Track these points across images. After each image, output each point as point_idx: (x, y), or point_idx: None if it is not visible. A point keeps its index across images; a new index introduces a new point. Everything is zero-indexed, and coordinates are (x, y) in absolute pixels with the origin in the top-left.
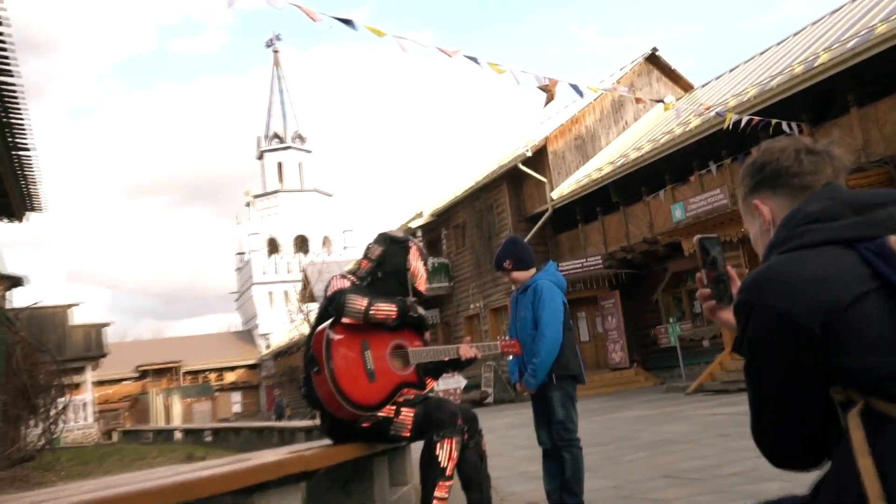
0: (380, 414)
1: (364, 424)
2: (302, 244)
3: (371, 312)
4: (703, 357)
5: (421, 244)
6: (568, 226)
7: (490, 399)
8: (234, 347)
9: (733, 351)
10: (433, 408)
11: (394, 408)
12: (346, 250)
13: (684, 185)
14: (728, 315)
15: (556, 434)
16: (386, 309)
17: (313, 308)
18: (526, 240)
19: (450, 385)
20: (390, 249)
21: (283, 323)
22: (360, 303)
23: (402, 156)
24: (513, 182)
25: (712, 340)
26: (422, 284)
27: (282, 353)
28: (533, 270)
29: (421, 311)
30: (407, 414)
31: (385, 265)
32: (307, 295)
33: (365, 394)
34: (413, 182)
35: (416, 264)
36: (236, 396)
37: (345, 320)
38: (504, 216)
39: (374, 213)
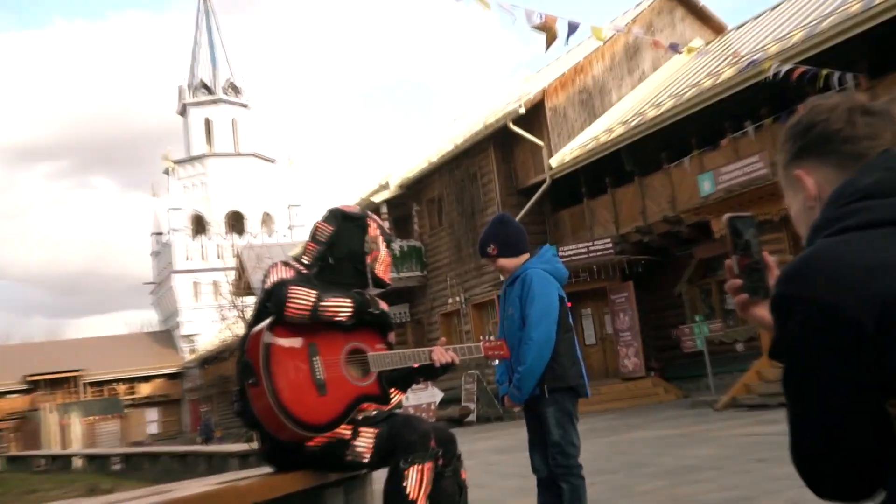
0: (332, 435)
1: (312, 446)
2: (236, 222)
3: (320, 309)
4: (736, 364)
5: (383, 221)
6: (570, 201)
7: (473, 416)
8: (150, 352)
9: (771, 357)
10: (400, 427)
11: (350, 427)
12: (291, 231)
13: (714, 152)
14: (764, 312)
15: (553, 459)
16: (339, 304)
17: (250, 303)
18: (518, 218)
19: (422, 399)
20: (343, 228)
21: (212, 321)
22: (306, 296)
23: (363, 114)
24: (502, 146)
25: (748, 344)
26: (384, 272)
27: (210, 360)
28: (525, 257)
29: (384, 306)
30: (367, 435)
31: (337, 248)
32: (242, 286)
33: (314, 410)
34: (377, 146)
35: (377, 247)
36: (152, 414)
37: (288, 318)
38: (491, 188)
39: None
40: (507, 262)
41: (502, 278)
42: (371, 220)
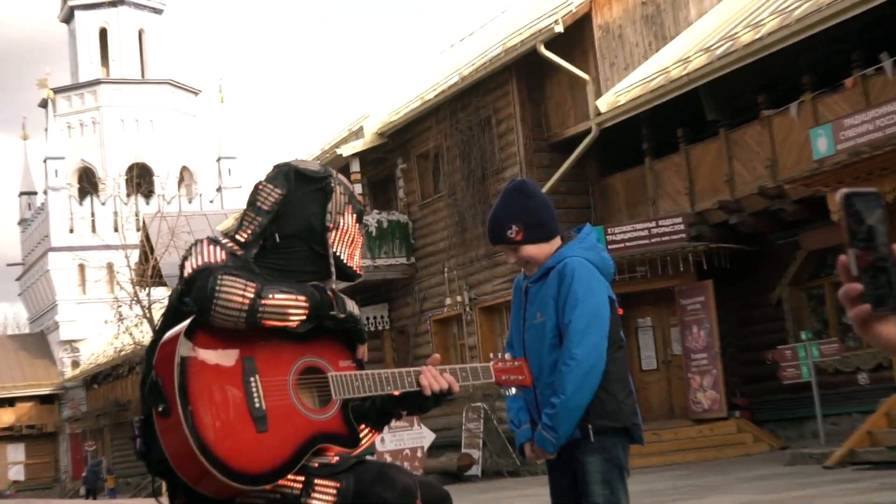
0: (276, 489)
1: None
2: (142, 180)
3: (261, 310)
4: (856, 403)
5: (353, 184)
6: (626, 161)
7: (477, 468)
8: (14, 364)
9: None
10: (371, 480)
11: (301, 478)
12: (221, 194)
13: (835, 95)
14: (891, 330)
15: None
16: (288, 303)
17: (160, 297)
18: (550, 184)
19: (405, 442)
20: (296, 193)
21: (104, 322)
22: (241, 291)
23: (329, 28)
24: (528, 80)
25: (875, 374)
26: (354, 257)
27: (101, 378)
28: (557, 242)
29: (352, 307)
30: (324, 490)
31: (286, 221)
32: (150, 272)
33: (249, 452)
34: (348, 76)
35: (345, 220)
36: (17, 452)
37: (215, 321)
38: (511, 140)
39: (275, 130)
40: (537, 251)
41: (527, 274)
42: (337, 181)
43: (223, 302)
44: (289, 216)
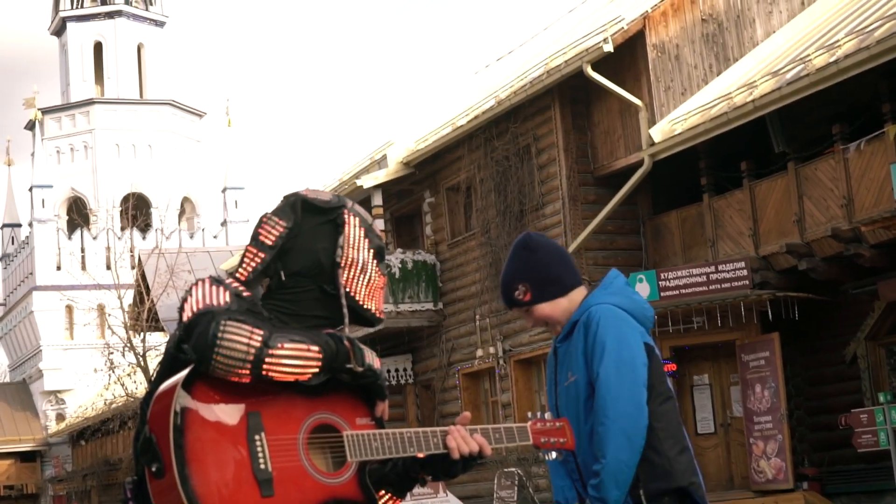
0: None
1: None
2: (138, 212)
3: (268, 361)
4: None
5: (374, 219)
6: (681, 198)
7: None
8: None
9: None
10: None
11: None
12: (226, 228)
13: None
14: None
15: None
16: (298, 354)
17: (157, 343)
18: (596, 222)
19: None
20: (306, 226)
21: (94, 371)
22: (247, 338)
23: (349, 46)
24: (574, 105)
25: None
26: (372, 298)
27: (89, 432)
28: (580, 293)
29: (372, 359)
30: None
31: (293, 257)
32: (145, 316)
33: None
34: (369, 98)
35: (359, 255)
36: None
37: (216, 372)
38: (552, 172)
39: (289, 159)
40: (551, 309)
41: (552, 334)
42: (352, 212)
43: (226, 351)
44: (296, 252)
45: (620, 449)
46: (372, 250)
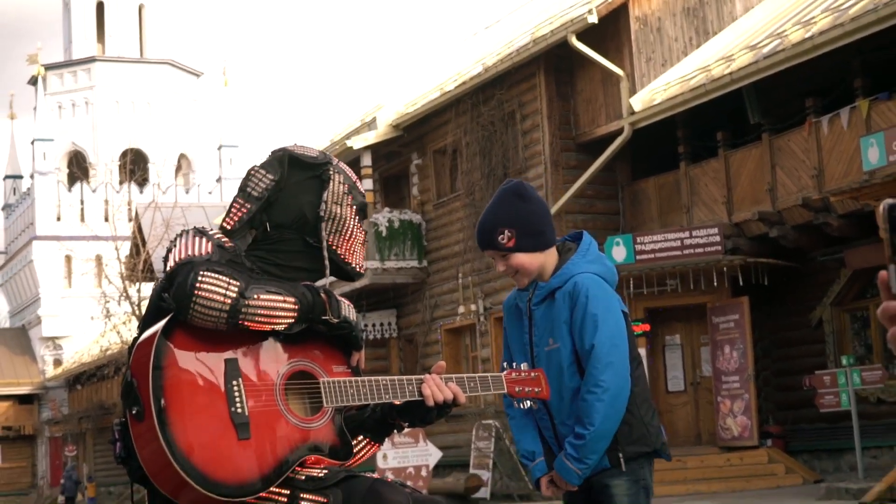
0: (258, 502)
1: None
2: (136, 167)
3: (244, 310)
4: None
5: (363, 178)
6: (660, 165)
7: (485, 491)
8: None
9: None
10: (361, 496)
11: (287, 492)
12: (221, 184)
13: (889, 101)
14: None
15: None
16: (275, 304)
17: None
18: (576, 187)
19: (408, 459)
20: (291, 180)
21: (91, 318)
22: (224, 288)
23: (342, 10)
24: (557, 73)
25: None
26: (352, 252)
27: (84, 377)
28: (553, 254)
29: (348, 310)
30: None
31: (278, 210)
32: (142, 266)
33: (230, 462)
34: (361, 62)
35: (341, 210)
36: None
37: (194, 320)
38: (536, 137)
39: (282, 118)
40: (529, 260)
41: (517, 285)
42: (336, 169)
43: (203, 300)
44: (281, 204)
45: (608, 419)
46: (353, 207)
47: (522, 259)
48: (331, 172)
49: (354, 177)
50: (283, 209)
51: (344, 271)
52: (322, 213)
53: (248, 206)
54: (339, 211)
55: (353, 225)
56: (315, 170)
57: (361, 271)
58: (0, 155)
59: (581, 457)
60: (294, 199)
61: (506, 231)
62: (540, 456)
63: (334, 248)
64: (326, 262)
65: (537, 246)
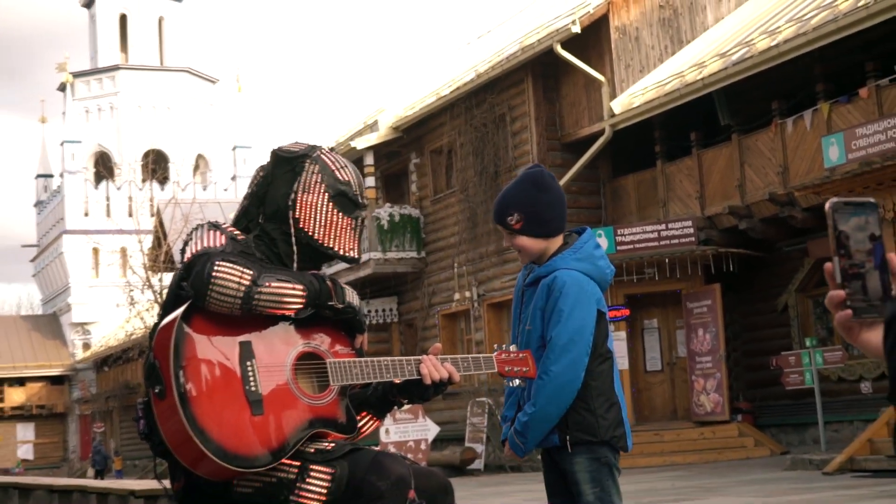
0: (271, 472)
1: (243, 487)
2: (157, 166)
3: (256, 297)
4: (858, 411)
5: (335, 164)
6: (638, 163)
7: (479, 462)
8: (26, 344)
9: (889, 400)
10: (366, 467)
11: (297, 464)
12: (235, 182)
13: (849, 104)
14: (874, 336)
15: None
16: (285, 291)
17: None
18: (562, 183)
19: (408, 433)
20: (276, 174)
21: (116, 306)
22: (238, 277)
23: (347, 22)
24: (544, 79)
25: (878, 383)
26: (335, 238)
27: (111, 360)
28: (557, 242)
29: (352, 296)
30: (319, 476)
31: (268, 203)
32: (163, 258)
33: (244, 436)
34: (366, 70)
35: (310, 198)
36: (26, 431)
37: (211, 306)
38: (524, 138)
39: (291, 121)
40: (532, 244)
41: (520, 263)
42: (314, 160)
43: (219, 288)
44: (269, 198)
45: (550, 404)
46: (326, 194)
47: (525, 242)
48: (306, 164)
49: (339, 165)
50: (270, 203)
51: (326, 255)
52: (290, 203)
53: (244, 203)
54: (309, 199)
55: (329, 211)
56: (292, 163)
57: (351, 254)
58: (32, 156)
59: (523, 432)
60: (276, 193)
61: (515, 214)
62: (509, 421)
63: (311, 234)
64: (294, 249)
65: (541, 233)
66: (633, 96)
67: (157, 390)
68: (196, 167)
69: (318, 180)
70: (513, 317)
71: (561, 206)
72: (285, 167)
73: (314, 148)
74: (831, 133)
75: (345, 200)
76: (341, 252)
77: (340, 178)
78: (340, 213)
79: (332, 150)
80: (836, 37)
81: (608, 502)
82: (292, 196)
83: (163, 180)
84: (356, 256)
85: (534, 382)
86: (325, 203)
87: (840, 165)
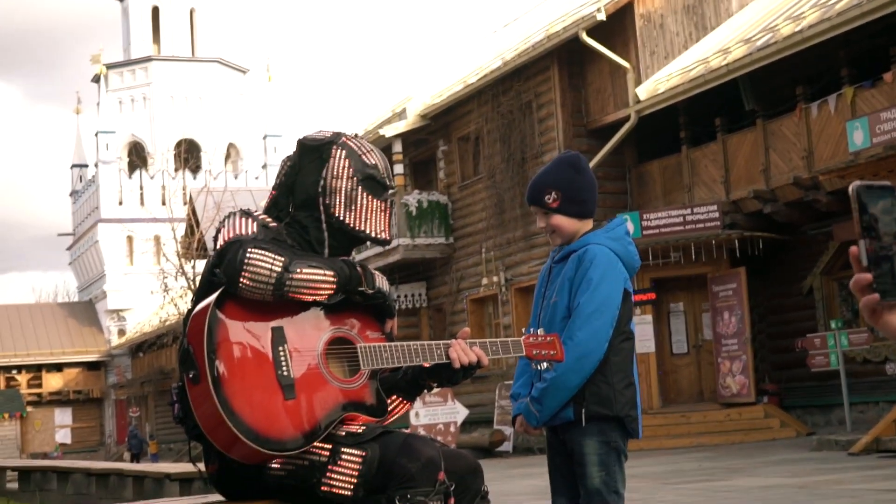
0: (303, 456)
1: (275, 470)
2: (190, 156)
3: (288, 283)
4: (882, 392)
5: (362, 149)
6: (663, 149)
7: (508, 444)
8: (63, 331)
9: None
10: (397, 450)
11: (329, 447)
12: (266, 171)
13: (873, 89)
14: None
15: None
16: (316, 277)
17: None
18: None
19: (437, 416)
20: (303, 163)
21: (151, 293)
22: (270, 264)
23: (375, 12)
24: (570, 66)
25: None
26: (366, 220)
27: (146, 346)
28: (588, 224)
29: (381, 282)
30: (351, 459)
31: (297, 192)
32: (196, 245)
33: (277, 419)
34: (394, 59)
35: (341, 183)
36: (64, 416)
37: (243, 293)
38: (551, 125)
39: (321, 110)
40: (567, 224)
41: (551, 244)
42: (341, 146)
43: (251, 275)
44: (298, 187)
45: (570, 371)
46: (355, 178)
47: (561, 221)
48: (333, 150)
49: (365, 149)
50: (300, 191)
51: (358, 238)
52: (320, 189)
53: (274, 193)
54: (339, 184)
55: (359, 195)
56: (319, 151)
57: (383, 237)
58: (67, 146)
59: (540, 398)
60: (305, 181)
61: (553, 192)
62: (524, 397)
63: (342, 219)
64: (325, 235)
65: (577, 213)
66: (657, 82)
67: (191, 375)
68: (227, 156)
69: (347, 165)
70: (535, 296)
71: (594, 190)
72: (312, 155)
73: (339, 135)
74: (856, 117)
75: (373, 183)
76: (373, 234)
77: (368, 161)
78: (370, 196)
79: (356, 135)
80: (860, 21)
81: (613, 488)
82: (321, 183)
83: (195, 169)
84: (388, 238)
85: None
86: (355, 187)
87: (864, 149)
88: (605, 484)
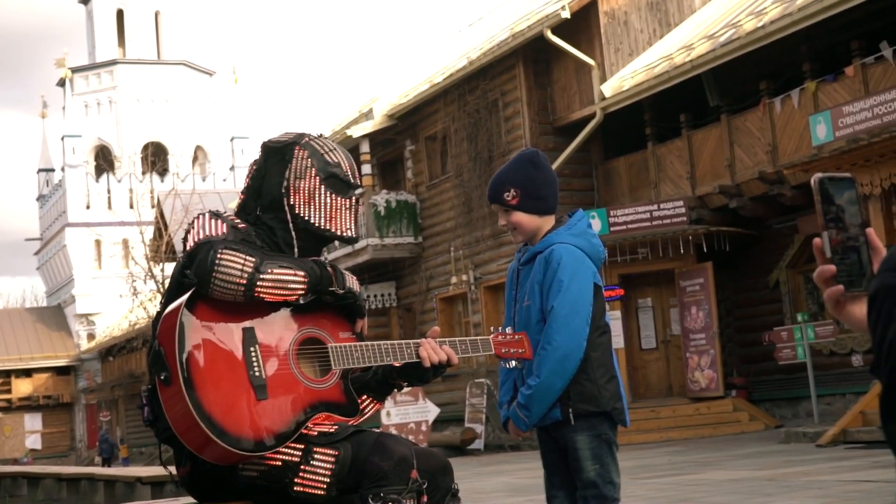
0: (275, 456)
1: (248, 471)
2: (157, 158)
3: (259, 284)
4: (849, 384)
5: (324, 149)
6: (629, 146)
7: (479, 442)
8: (32, 336)
9: (872, 373)
10: (369, 449)
11: (301, 447)
12: (233, 173)
13: (835, 83)
14: (858, 310)
15: None
16: (287, 278)
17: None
18: (555, 166)
19: (409, 415)
20: (268, 165)
21: (119, 296)
22: (240, 265)
23: (340, 12)
24: (535, 64)
25: (869, 356)
26: (331, 219)
27: (115, 350)
28: (550, 221)
29: (352, 282)
30: (323, 458)
31: (263, 194)
32: (164, 248)
33: (248, 420)
34: (360, 59)
35: (305, 183)
36: (34, 421)
37: (214, 294)
38: (517, 123)
39: (287, 111)
40: (527, 221)
41: (514, 241)
42: (303, 146)
43: (222, 276)
44: (264, 189)
45: (553, 374)
46: (318, 177)
47: (521, 218)
48: (295, 150)
49: (327, 148)
50: (265, 194)
51: (324, 238)
52: (283, 190)
53: (242, 196)
54: (302, 184)
55: (323, 193)
56: (282, 152)
57: (348, 234)
58: (33, 151)
59: (527, 404)
60: (271, 183)
61: (512, 189)
62: (509, 403)
63: (306, 218)
64: (292, 236)
65: (537, 209)
66: (622, 80)
67: (162, 377)
68: (195, 158)
69: (309, 164)
70: (507, 299)
71: (555, 186)
72: (276, 157)
73: (302, 135)
74: (819, 111)
75: (337, 182)
76: (339, 232)
77: (330, 160)
78: (334, 195)
79: (320, 136)
80: (822, 17)
81: (608, 479)
82: (285, 183)
83: (162, 172)
84: (354, 236)
85: (536, 355)
86: (318, 186)
87: (828, 143)
88: (600, 476)
